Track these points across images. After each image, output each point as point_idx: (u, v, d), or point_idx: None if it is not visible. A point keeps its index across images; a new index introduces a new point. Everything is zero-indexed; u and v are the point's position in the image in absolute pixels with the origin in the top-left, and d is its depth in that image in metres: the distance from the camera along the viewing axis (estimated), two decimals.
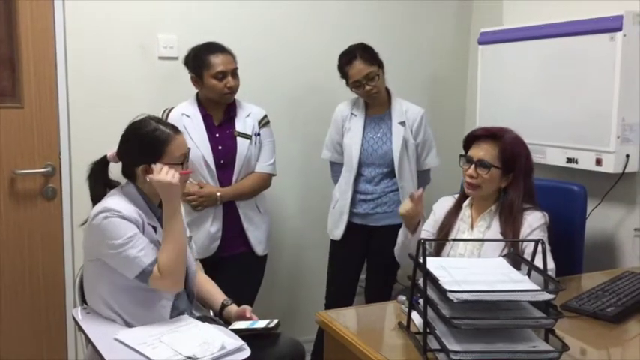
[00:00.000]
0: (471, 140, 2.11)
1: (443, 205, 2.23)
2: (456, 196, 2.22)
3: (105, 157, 1.98)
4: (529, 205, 2.07)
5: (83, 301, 2.00)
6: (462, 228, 2.14)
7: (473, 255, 2.06)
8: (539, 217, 2.05)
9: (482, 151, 2.05)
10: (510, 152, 2.04)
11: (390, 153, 2.71)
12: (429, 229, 2.23)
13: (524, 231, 2.02)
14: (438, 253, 2.14)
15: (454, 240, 2.12)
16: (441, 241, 2.15)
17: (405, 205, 2.13)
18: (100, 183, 1.98)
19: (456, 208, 2.18)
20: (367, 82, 2.64)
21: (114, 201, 1.88)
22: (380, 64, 2.68)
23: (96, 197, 1.96)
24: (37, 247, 2.71)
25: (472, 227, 2.11)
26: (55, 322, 2.76)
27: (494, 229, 2.05)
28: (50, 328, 2.76)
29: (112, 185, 1.99)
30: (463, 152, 2.12)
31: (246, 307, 2.03)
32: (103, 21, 2.70)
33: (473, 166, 2.05)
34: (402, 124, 2.73)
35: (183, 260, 1.87)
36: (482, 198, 2.10)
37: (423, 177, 2.86)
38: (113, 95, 2.74)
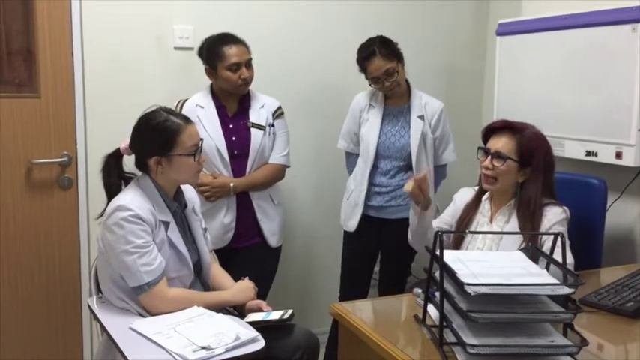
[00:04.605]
0: (490, 132, 2.09)
1: (463, 196, 2.21)
2: (477, 188, 2.19)
3: (118, 149, 1.98)
4: (549, 200, 2.04)
5: (98, 290, 2.01)
6: (481, 222, 2.11)
7: (491, 249, 2.04)
8: (559, 213, 2.02)
9: (500, 143, 2.03)
10: (528, 146, 2.01)
11: (408, 147, 2.68)
12: (447, 217, 2.21)
13: (544, 226, 1.99)
14: (456, 247, 2.11)
15: (471, 232, 2.09)
16: (458, 235, 2.12)
17: (410, 183, 2.07)
18: (114, 175, 1.98)
19: (476, 202, 2.15)
20: (386, 78, 2.61)
21: (129, 197, 1.88)
22: (399, 58, 2.63)
23: (110, 189, 1.97)
24: (53, 237, 2.73)
25: (491, 221, 2.09)
26: (70, 311, 2.79)
27: (513, 224, 2.03)
28: (66, 317, 2.78)
29: (126, 177, 2.00)
30: (481, 144, 2.10)
31: (261, 302, 2.03)
32: (118, 11, 2.70)
33: (489, 157, 2.03)
34: (421, 117, 2.69)
35: (184, 307, 1.87)
36: (501, 192, 2.07)
37: (440, 172, 2.83)
38: (129, 85, 2.74)
